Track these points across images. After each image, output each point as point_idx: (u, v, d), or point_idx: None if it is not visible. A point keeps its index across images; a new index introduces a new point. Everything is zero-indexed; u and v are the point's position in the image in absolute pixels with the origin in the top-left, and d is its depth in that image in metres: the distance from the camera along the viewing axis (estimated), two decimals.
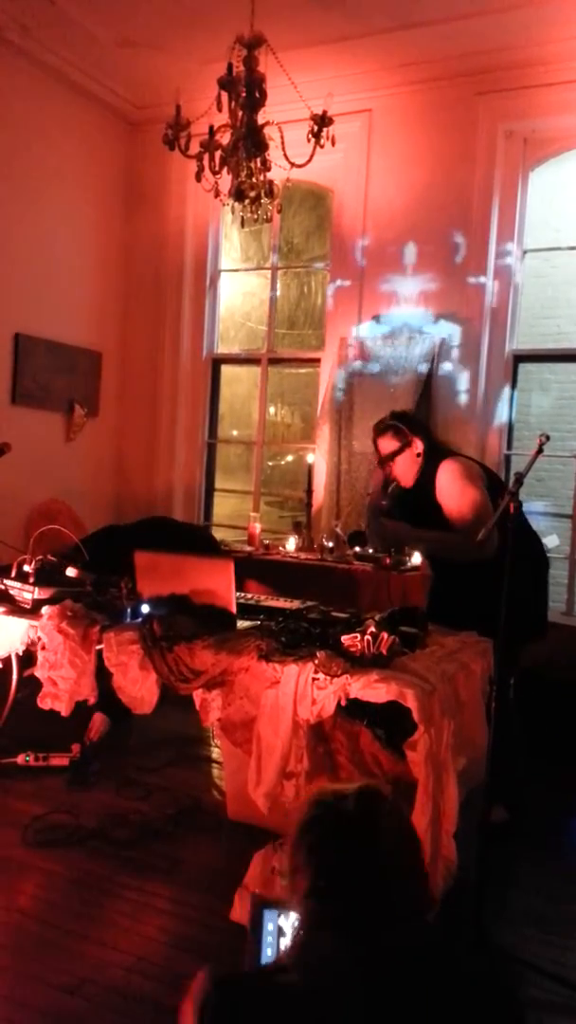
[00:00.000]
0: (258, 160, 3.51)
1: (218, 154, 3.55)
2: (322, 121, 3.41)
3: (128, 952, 2.28)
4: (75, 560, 3.21)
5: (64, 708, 2.78)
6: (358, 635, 2.48)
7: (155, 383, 5.81)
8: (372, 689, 2.29)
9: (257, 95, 3.48)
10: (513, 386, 5.01)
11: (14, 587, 3.03)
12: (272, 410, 6.87)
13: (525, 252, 4.97)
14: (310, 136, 3.41)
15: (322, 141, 3.43)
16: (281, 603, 2.96)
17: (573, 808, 3.41)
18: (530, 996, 2.15)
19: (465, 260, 4.88)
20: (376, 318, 5.13)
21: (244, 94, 3.46)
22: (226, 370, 6.04)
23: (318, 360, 5.53)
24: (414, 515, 3.44)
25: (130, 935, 2.37)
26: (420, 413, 4.89)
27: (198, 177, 3.52)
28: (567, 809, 3.38)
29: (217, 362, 5.94)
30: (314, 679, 2.37)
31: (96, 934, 2.37)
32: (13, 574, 3.10)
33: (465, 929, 2.25)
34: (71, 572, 3.12)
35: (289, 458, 7.16)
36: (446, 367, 4.92)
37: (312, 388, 5.92)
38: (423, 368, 4.86)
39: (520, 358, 5.04)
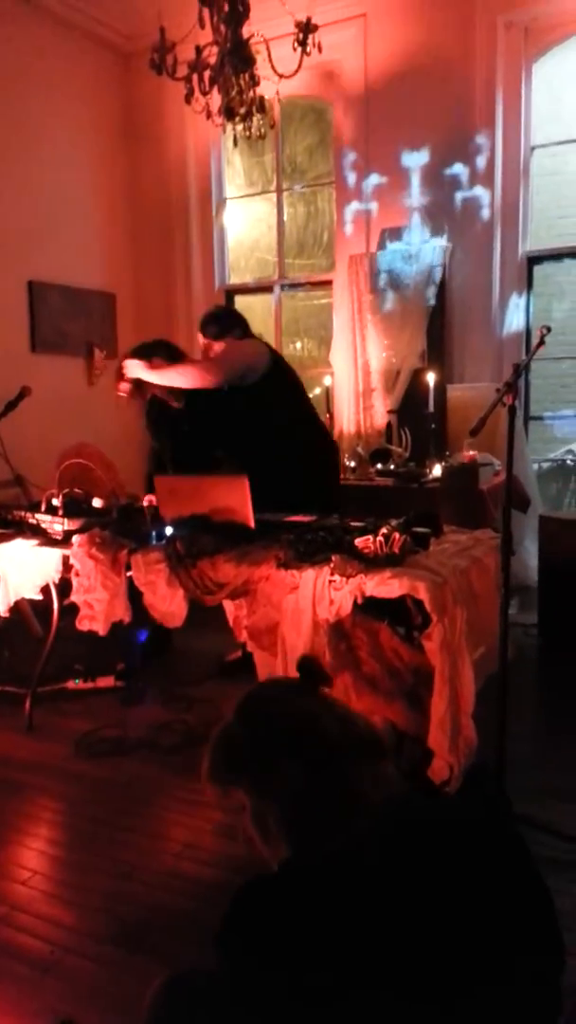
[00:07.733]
0: (246, 75, 3.47)
1: (206, 74, 3.52)
2: (306, 28, 3.35)
3: (176, 840, 2.47)
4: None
5: (101, 628, 2.93)
6: (371, 537, 2.56)
7: (170, 318, 5.84)
8: (386, 585, 2.38)
9: (240, 8, 3.42)
10: (529, 290, 4.94)
11: (45, 520, 3.17)
12: (299, 345, 6.83)
13: (533, 148, 4.84)
14: (296, 44, 3.36)
15: (308, 49, 3.37)
16: (299, 518, 3.04)
17: None
18: (544, 856, 2.28)
19: (471, 161, 4.77)
20: (385, 231, 5.06)
21: (227, 8, 3.41)
22: (239, 301, 6.04)
23: (330, 282, 5.49)
24: None
25: (178, 826, 2.56)
26: (435, 322, 4.88)
27: (187, 99, 3.51)
28: None
29: (230, 293, 5.94)
30: (330, 581, 2.47)
31: (146, 827, 2.56)
32: (43, 508, 3.24)
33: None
34: (97, 503, 3.25)
35: (317, 390, 7.16)
36: (459, 273, 4.86)
37: (326, 314, 5.88)
38: (435, 277, 4.81)
39: (534, 259, 4.95)
